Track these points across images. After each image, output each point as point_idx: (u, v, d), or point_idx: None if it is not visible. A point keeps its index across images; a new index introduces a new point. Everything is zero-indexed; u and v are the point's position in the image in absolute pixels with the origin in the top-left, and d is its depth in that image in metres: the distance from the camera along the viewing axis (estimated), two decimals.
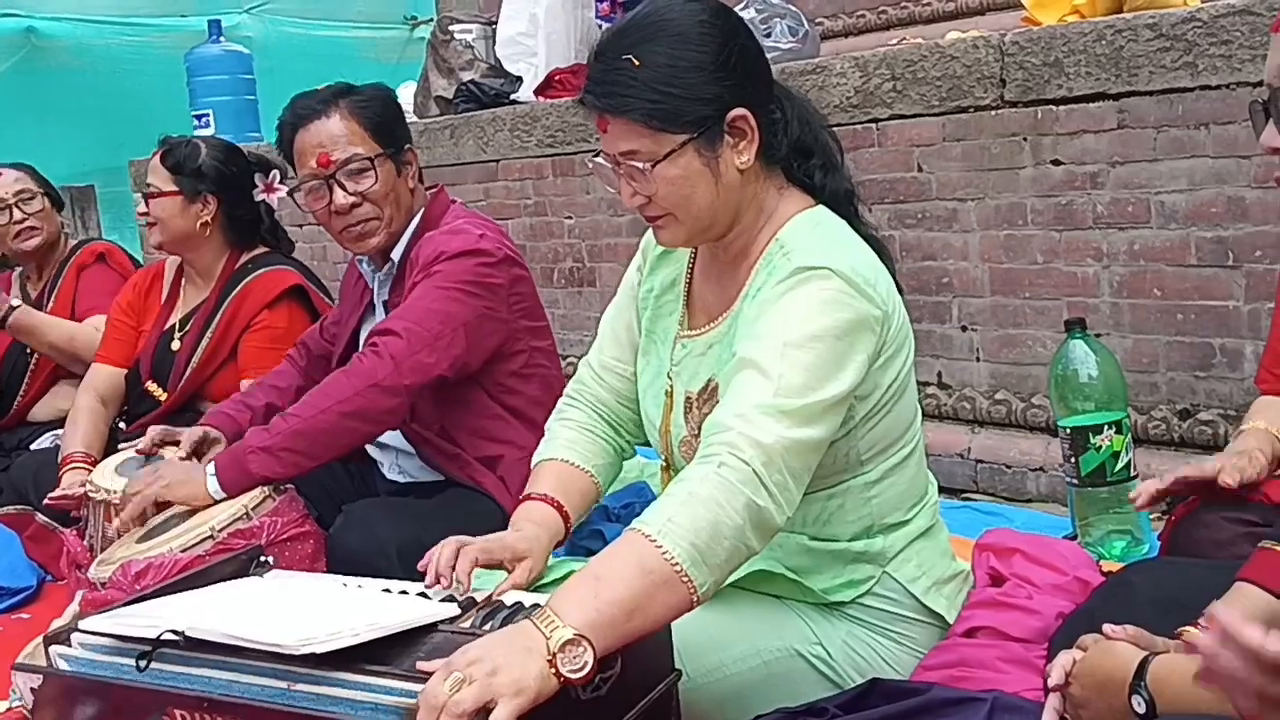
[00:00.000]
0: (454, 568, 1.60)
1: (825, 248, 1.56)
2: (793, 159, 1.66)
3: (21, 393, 3.37)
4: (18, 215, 3.37)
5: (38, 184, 3.45)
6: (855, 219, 1.67)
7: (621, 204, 1.63)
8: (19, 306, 3.21)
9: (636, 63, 1.53)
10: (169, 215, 2.82)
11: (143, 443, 2.38)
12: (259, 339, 2.79)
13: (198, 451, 2.33)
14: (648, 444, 1.85)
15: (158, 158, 2.83)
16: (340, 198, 2.26)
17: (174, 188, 2.81)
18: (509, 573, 1.64)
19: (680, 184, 1.56)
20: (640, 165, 1.55)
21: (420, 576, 1.62)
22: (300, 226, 5.14)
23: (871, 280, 1.55)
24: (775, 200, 1.64)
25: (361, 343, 2.41)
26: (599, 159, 1.62)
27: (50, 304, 3.40)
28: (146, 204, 2.84)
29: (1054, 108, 2.84)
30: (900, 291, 1.65)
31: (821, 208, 1.65)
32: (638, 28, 1.57)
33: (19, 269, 3.56)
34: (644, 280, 1.82)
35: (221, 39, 6.15)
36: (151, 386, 2.88)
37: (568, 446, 1.81)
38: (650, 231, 1.81)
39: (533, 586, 1.64)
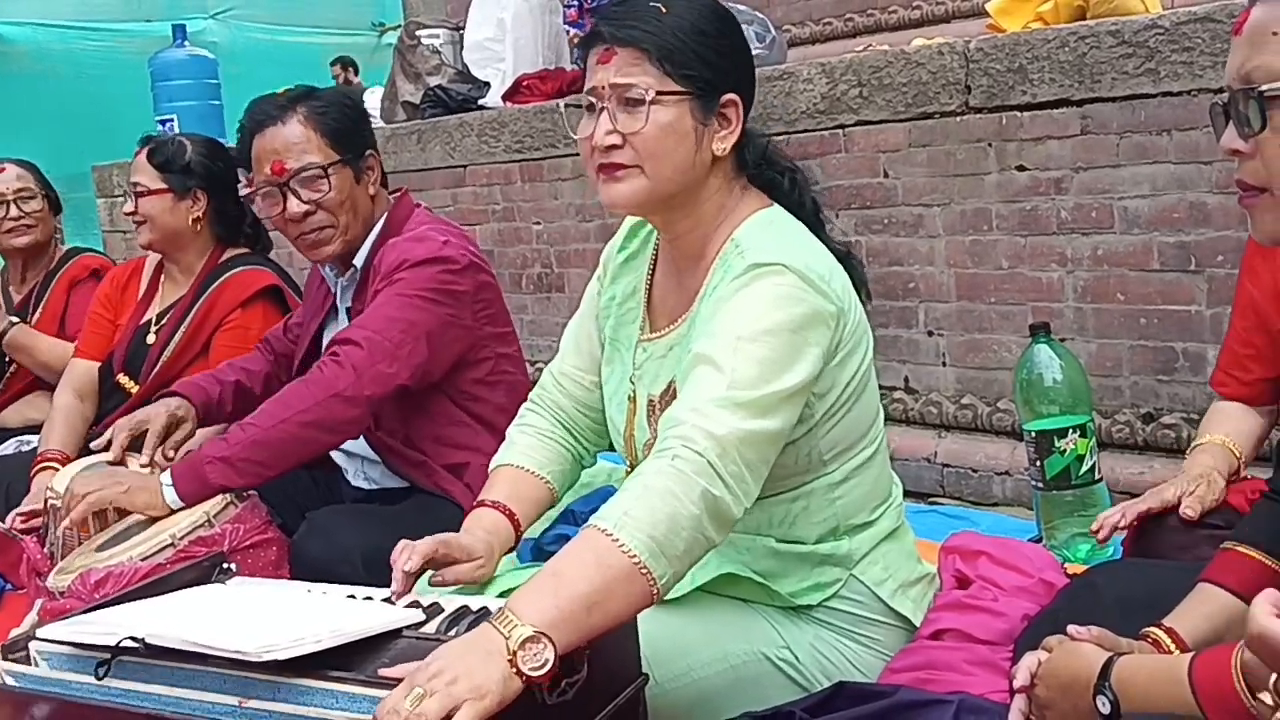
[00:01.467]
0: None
1: (779, 245, 1.57)
2: (760, 164, 1.68)
3: None
4: (14, 212, 3.34)
5: (39, 184, 3.41)
6: (819, 227, 1.69)
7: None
8: (16, 324, 3.20)
9: (664, 9, 1.57)
10: (159, 213, 2.81)
11: (110, 454, 2.35)
12: (230, 338, 2.78)
13: (170, 430, 2.32)
14: (613, 449, 1.85)
15: (143, 156, 2.81)
16: (294, 205, 2.24)
17: (163, 185, 2.79)
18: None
19: (667, 132, 1.56)
20: (640, 95, 1.54)
21: (386, 583, 1.61)
22: (273, 231, 5.12)
23: (826, 277, 1.56)
24: (736, 199, 1.66)
25: (323, 348, 2.40)
26: (574, 98, 1.62)
27: (37, 314, 3.36)
28: (135, 203, 2.81)
29: (1018, 114, 2.86)
30: (867, 295, 1.67)
31: (777, 208, 1.67)
32: None
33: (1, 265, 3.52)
34: (604, 290, 1.83)
35: (186, 43, 6.11)
36: (123, 379, 2.87)
37: (524, 453, 1.81)
38: (611, 242, 1.81)
39: (496, 594, 1.63)
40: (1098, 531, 1.87)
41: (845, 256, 1.67)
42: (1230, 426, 1.94)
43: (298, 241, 2.30)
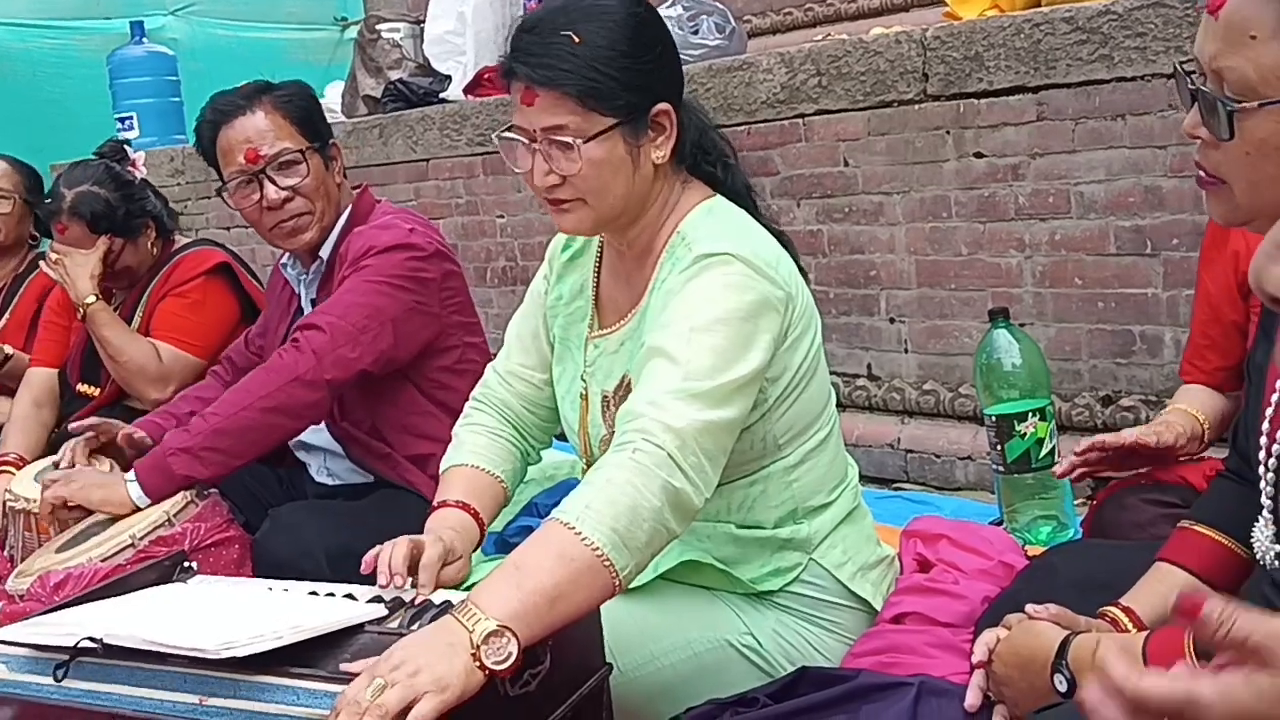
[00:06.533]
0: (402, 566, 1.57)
1: (725, 234, 1.58)
2: (695, 156, 1.68)
3: None
4: None
5: (17, 187, 3.36)
6: (755, 212, 1.70)
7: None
8: (13, 355, 3.18)
9: (577, 39, 1.53)
10: (131, 260, 2.82)
11: (65, 459, 2.33)
12: (174, 304, 2.80)
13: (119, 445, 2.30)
14: (563, 437, 1.85)
15: (83, 229, 2.74)
16: (272, 193, 2.23)
17: (121, 239, 2.78)
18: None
19: (602, 167, 1.56)
20: (569, 140, 1.54)
21: (351, 579, 1.60)
22: (228, 229, 5.08)
23: (773, 263, 1.57)
24: (678, 194, 1.67)
25: None
26: (509, 133, 1.60)
27: (4, 319, 3.34)
28: (113, 265, 2.79)
29: (975, 101, 2.88)
30: (805, 278, 1.67)
31: (719, 198, 1.68)
32: (575, 8, 1.57)
33: None
34: (551, 289, 1.83)
35: (145, 40, 6.05)
36: (83, 388, 2.85)
37: (476, 452, 1.81)
38: (555, 240, 1.81)
39: (459, 587, 1.63)
40: (1058, 468, 1.93)
41: (778, 235, 1.67)
42: (1193, 400, 1.98)
43: (273, 232, 2.28)
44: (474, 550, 1.72)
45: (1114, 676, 0.80)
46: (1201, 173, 1.23)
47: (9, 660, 1.38)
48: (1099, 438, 1.88)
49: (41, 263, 2.83)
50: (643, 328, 1.62)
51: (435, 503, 1.76)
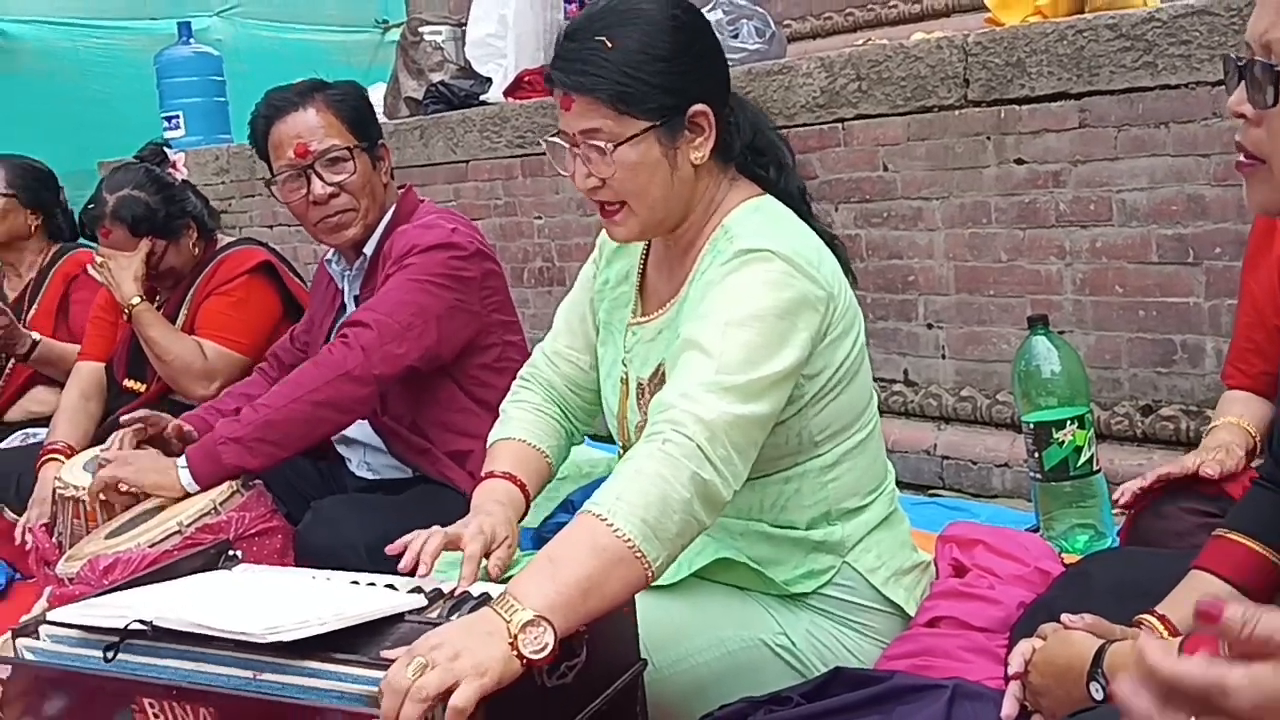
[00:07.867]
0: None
1: (768, 231, 1.60)
2: (747, 156, 1.70)
3: None
4: None
5: (7, 185, 3.43)
6: (808, 215, 1.71)
7: (590, 203, 1.68)
8: (40, 341, 3.24)
9: (609, 44, 1.56)
10: (174, 260, 2.86)
11: (113, 448, 2.37)
12: (218, 302, 2.83)
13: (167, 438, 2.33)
14: (598, 437, 1.87)
15: (126, 233, 2.78)
16: (319, 187, 2.28)
17: (163, 241, 2.82)
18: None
19: (638, 170, 1.58)
20: (602, 144, 1.57)
21: (391, 571, 1.63)
22: (270, 228, 5.14)
23: (814, 262, 1.58)
24: (725, 191, 1.68)
25: None
26: (555, 138, 1.64)
27: (32, 311, 3.40)
28: (157, 267, 2.83)
29: (1017, 107, 2.87)
30: (853, 282, 1.69)
31: (767, 196, 1.69)
32: (612, 12, 1.60)
33: None
34: (599, 273, 1.86)
35: (191, 41, 6.13)
36: (130, 383, 2.90)
37: (522, 427, 1.84)
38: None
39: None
40: (1120, 498, 1.89)
41: (830, 240, 1.68)
42: (1241, 409, 1.96)
43: (318, 226, 2.32)
44: (520, 521, 1.74)
45: (1150, 661, 0.81)
46: (1242, 156, 1.23)
47: (61, 641, 1.41)
48: (1164, 469, 1.85)
49: (89, 267, 2.88)
50: (680, 318, 1.64)
51: (482, 474, 1.79)
